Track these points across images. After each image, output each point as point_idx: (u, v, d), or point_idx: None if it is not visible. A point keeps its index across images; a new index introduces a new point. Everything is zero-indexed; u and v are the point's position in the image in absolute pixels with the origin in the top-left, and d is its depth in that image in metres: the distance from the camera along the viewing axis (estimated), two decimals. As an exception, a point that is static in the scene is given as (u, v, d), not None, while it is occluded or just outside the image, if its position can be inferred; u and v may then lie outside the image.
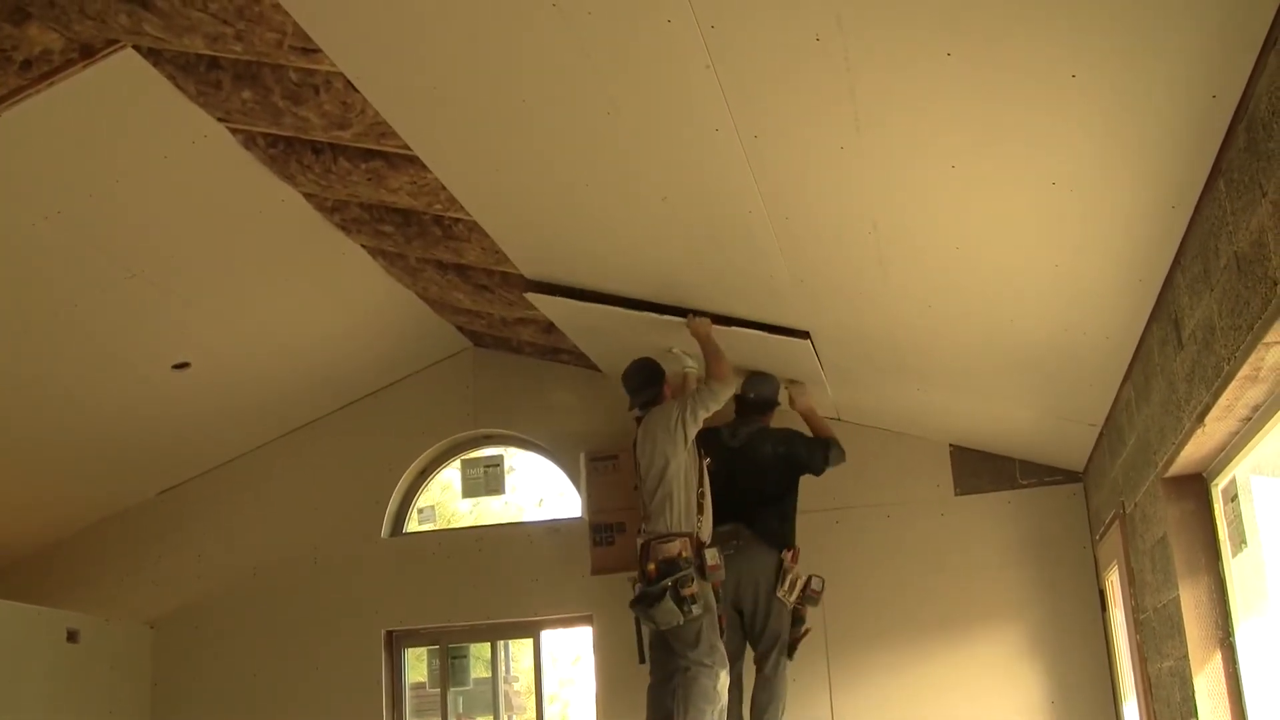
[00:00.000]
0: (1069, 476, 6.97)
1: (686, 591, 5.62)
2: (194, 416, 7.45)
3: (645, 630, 6.05)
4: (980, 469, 7.11)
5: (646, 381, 6.22)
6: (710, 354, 5.96)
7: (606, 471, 7.52)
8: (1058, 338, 4.94)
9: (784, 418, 6.80)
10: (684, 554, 5.71)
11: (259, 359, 7.11)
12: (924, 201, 4.12)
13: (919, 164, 3.84)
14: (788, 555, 6.31)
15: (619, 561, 7.25)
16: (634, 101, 3.93)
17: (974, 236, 4.29)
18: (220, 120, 5.02)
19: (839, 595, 6.89)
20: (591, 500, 7.54)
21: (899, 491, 7.19)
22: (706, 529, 5.93)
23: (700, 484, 5.97)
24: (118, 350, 6.50)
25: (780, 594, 6.25)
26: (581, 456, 7.62)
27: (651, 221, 4.94)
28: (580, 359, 7.52)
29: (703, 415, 5.92)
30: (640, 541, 5.93)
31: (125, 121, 4.95)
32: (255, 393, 7.50)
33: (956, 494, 7.13)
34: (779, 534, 6.34)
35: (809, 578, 6.35)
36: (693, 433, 5.91)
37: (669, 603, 5.62)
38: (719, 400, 5.95)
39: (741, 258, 5.10)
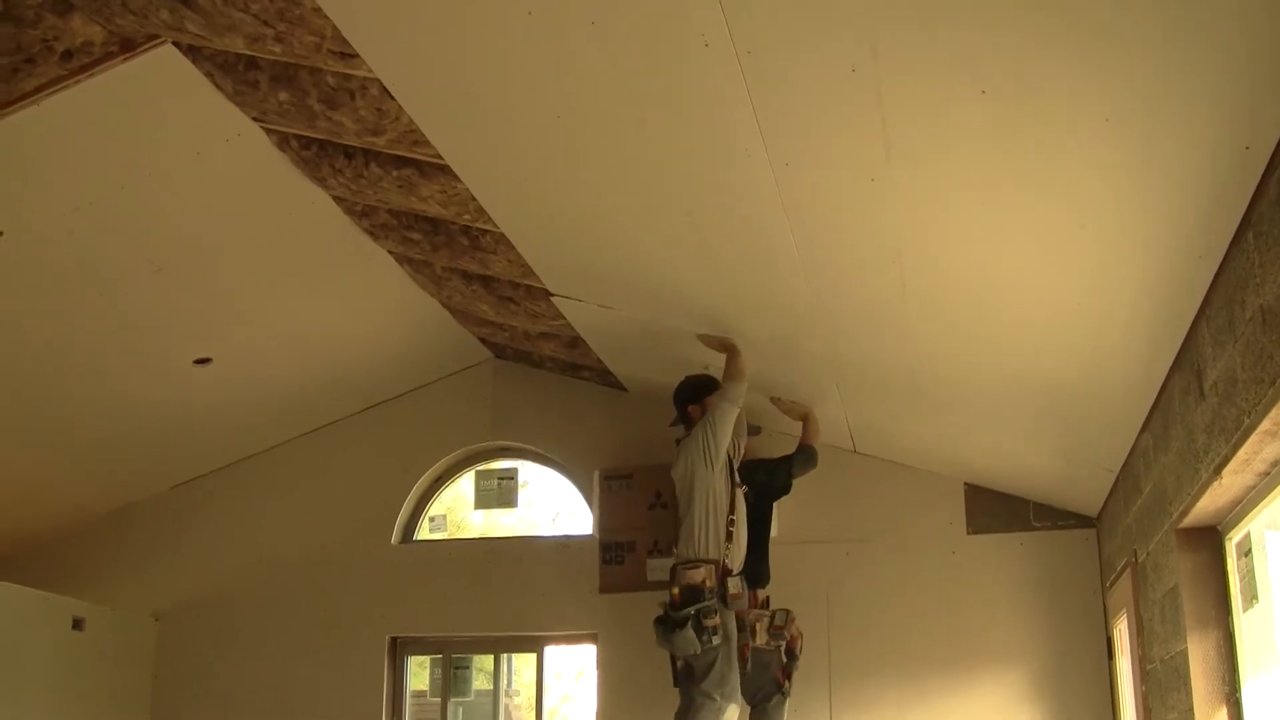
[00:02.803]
0: (1082, 521, 6.92)
1: (709, 622, 5.57)
2: (212, 412, 7.47)
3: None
4: (994, 509, 7.07)
5: (679, 399, 6.29)
6: (727, 353, 5.94)
7: (620, 490, 7.50)
8: (1078, 381, 4.92)
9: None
10: (708, 582, 5.66)
11: (280, 359, 7.13)
12: (951, 236, 4.11)
13: (948, 199, 3.83)
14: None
15: (628, 581, 7.25)
16: (667, 122, 3.93)
17: (999, 275, 4.28)
18: (255, 120, 5.04)
19: (845, 627, 6.90)
20: (603, 518, 7.53)
21: (911, 526, 7.15)
22: (737, 557, 5.89)
23: (732, 511, 5.92)
24: (141, 342, 6.52)
25: (755, 640, 6.27)
26: (596, 474, 7.61)
27: (678, 241, 4.94)
28: (601, 376, 7.53)
29: (722, 423, 5.88)
30: (671, 563, 5.93)
31: (161, 117, 4.96)
32: (274, 392, 7.52)
33: (969, 532, 7.09)
34: (754, 576, 6.33)
35: (773, 613, 6.40)
36: (719, 447, 5.87)
37: (689, 632, 5.58)
38: (734, 400, 5.89)
39: (765, 282, 5.10)
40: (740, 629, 5.83)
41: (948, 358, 5.32)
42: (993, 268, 4.24)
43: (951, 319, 4.87)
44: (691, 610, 5.59)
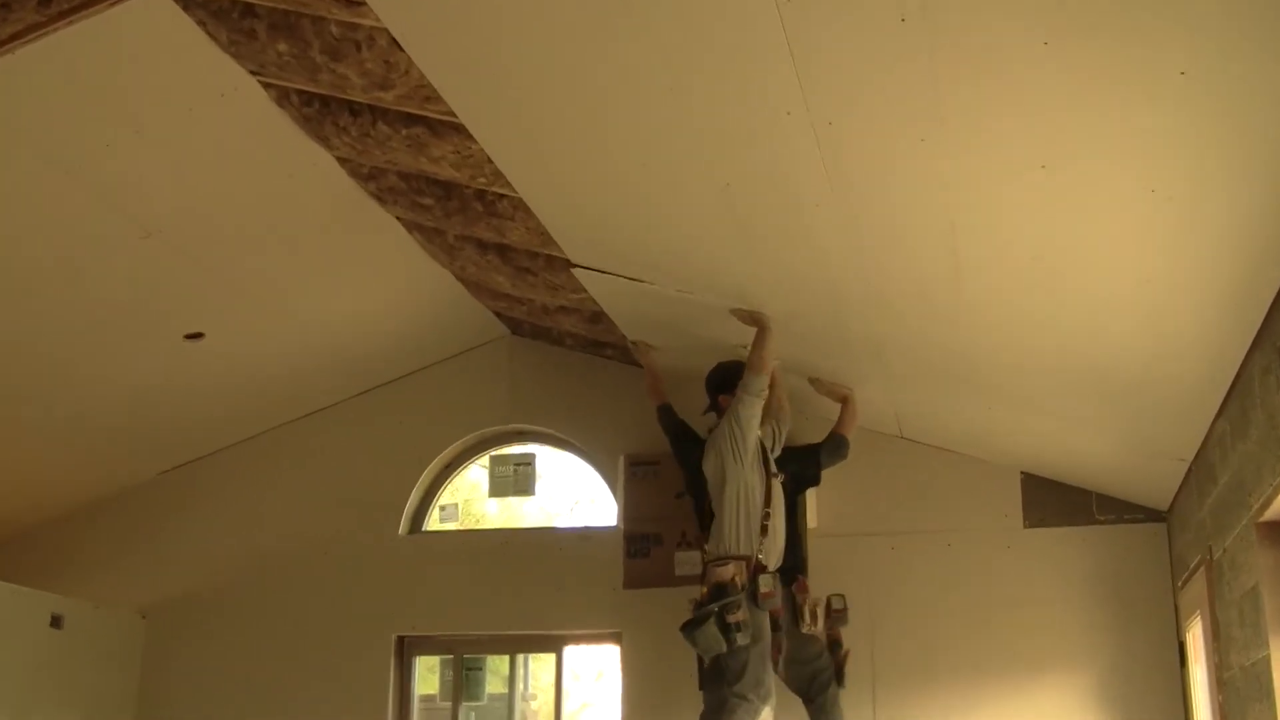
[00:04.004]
0: (1151, 515, 6.90)
1: (732, 619, 5.61)
2: (204, 392, 7.49)
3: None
4: (1053, 500, 7.05)
5: (710, 386, 6.38)
6: (756, 335, 5.98)
7: (647, 478, 7.51)
8: (1146, 361, 4.90)
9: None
10: (737, 579, 5.72)
11: (278, 334, 7.15)
12: (1008, 203, 4.09)
13: (1005, 162, 3.82)
14: (795, 588, 6.34)
15: (654, 575, 7.26)
16: (700, 79, 3.92)
17: (1060, 245, 4.26)
18: (253, 73, 5.04)
19: (891, 626, 6.89)
20: (628, 508, 7.54)
21: (963, 519, 7.13)
22: (772, 553, 5.95)
23: (768, 504, 5.97)
24: (126, 315, 6.54)
25: (804, 628, 6.29)
26: (621, 460, 7.62)
27: (710, 211, 4.93)
28: (625, 355, 7.52)
29: (747, 415, 5.94)
30: (704, 561, 5.99)
31: (149, 68, 4.96)
32: (272, 370, 7.55)
33: (1025, 526, 7.07)
34: (791, 566, 6.35)
35: (828, 599, 6.41)
36: (746, 440, 5.94)
37: (712, 628, 5.62)
38: (755, 393, 5.95)
39: (803, 253, 5.10)
40: (775, 628, 5.86)
41: (1004, 337, 5.30)
42: (1054, 238, 4.22)
43: (1009, 294, 4.85)
44: (715, 607, 5.63)
